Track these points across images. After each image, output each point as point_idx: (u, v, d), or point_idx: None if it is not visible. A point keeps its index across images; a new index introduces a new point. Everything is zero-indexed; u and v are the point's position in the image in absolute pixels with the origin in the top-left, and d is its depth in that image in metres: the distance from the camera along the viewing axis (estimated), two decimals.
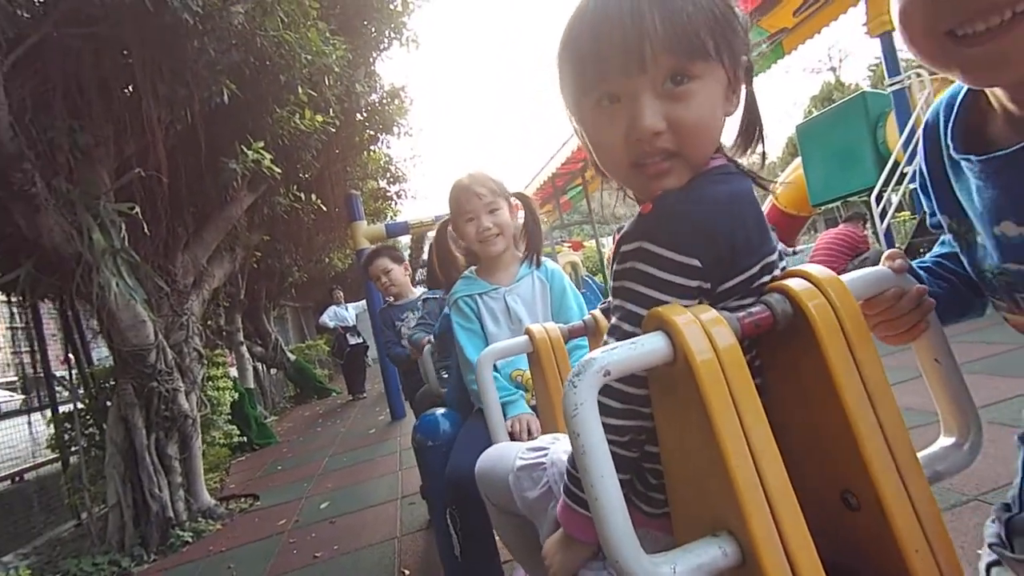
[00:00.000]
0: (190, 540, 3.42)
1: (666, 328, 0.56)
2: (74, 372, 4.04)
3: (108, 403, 3.69)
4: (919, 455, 0.58)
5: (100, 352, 4.60)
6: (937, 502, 1.64)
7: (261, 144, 3.60)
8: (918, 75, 6.41)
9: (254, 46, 3.31)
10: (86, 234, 3.08)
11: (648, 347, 0.56)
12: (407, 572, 2.33)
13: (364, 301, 6.94)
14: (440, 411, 1.64)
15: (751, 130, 0.73)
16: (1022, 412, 0.73)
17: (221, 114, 3.55)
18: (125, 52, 3.08)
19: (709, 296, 0.63)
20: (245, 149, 3.53)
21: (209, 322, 7.09)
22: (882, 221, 6.07)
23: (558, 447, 0.88)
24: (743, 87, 0.69)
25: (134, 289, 3.34)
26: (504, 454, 1.00)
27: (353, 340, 8.36)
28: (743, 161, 0.72)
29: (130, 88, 3.34)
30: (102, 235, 3.02)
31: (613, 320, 0.66)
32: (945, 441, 0.62)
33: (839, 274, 0.61)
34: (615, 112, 0.65)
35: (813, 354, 0.58)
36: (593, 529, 0.55)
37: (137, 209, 3.20)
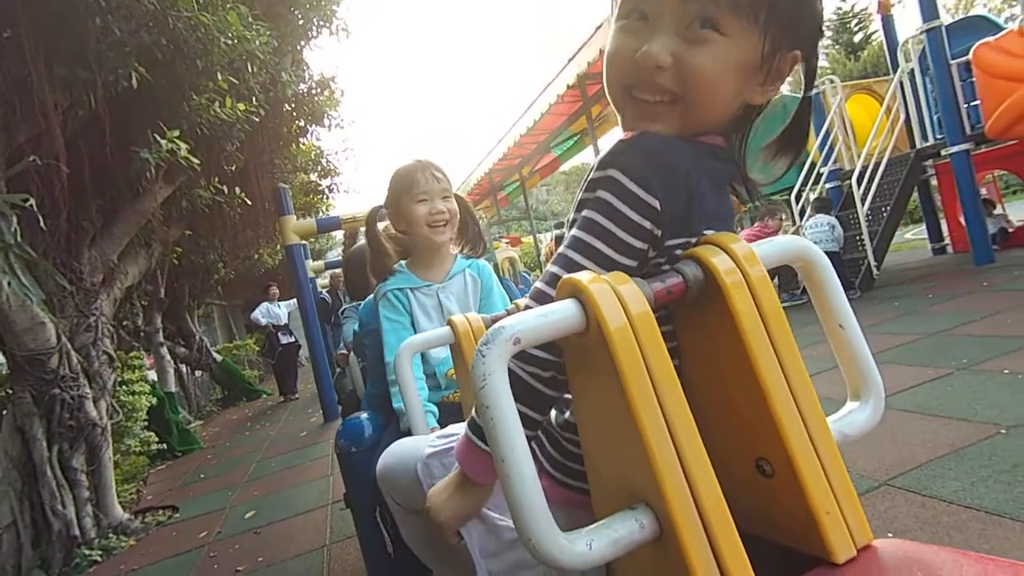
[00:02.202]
0: (99, 559, 3.17)
1: (579, 295, 0.54)
2: None
3: (3, 412, 3.36)
4: (828, 420, 0.58)
5: None
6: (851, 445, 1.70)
7: (177, 133, 3.35)
8: (831, 81, 6.84)
9: (167, 28, 3.07)
10: None
11: (560, 315, 0.53)
12: None
13: (295, 300, 6.67)
14: (364, 415, 1.57)
15: (790, 141, 0.72)
16: None
17: (131, 100, 3.29)
18: (9, 30, 2.79)
19: (656, 246, 0.61)
20: (159, 138, 3.28)
21: (125, 322, 6.64)
22: (800, 218, 6.44)
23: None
24: (786, 81, 0.68)
25: (30, 288, 3.04)
26: (409, 448, 0.95)
27: (285, 339, 8.05)
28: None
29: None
30: None
31: (561, 248, 0.62)
32: (852, 405, 0.63)
33: None
34: (637, 30, 0.64)
35: (726, 322, 0.57)
36: (494, 470, 0.51)
37: (32, 201, 2.90)
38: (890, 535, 1.67)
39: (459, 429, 0.87)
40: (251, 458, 4.98)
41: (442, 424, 1.48)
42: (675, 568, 0.51)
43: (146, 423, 4.83)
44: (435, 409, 1.45)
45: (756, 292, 0.57)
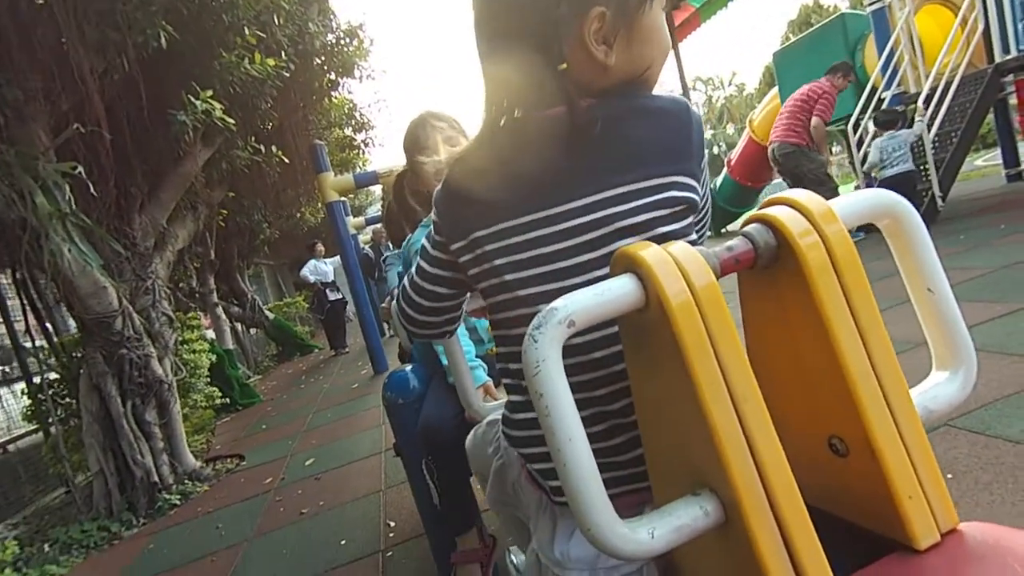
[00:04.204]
0: (178, 503, 3.42)
1: (635, 269, 0.49)
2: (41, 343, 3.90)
3: (80, 372, 3.59)
4: (911, 393, 0.53)
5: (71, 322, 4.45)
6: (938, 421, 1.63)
7: (210, 93, 3.36)
8: None
9: None
10: (28, 198, 2.88)
11: (617, 292, 0.49)
12: (392, 524, 2.35)
13: (338, 257, 6.78)
14: (409, 368, 1.60)
15: None
16: None
17: (162, 61, 3.30)
18: None
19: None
20: (193, 99, 3.29)
21: (180, 284, 6.91)
22: (858, 150, 5.99)
23: None
24: None
25: (88, 254, 3.17)
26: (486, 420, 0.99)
27: (333, 296, 8.25)
28: None
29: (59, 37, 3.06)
30: (46, 198, 2.83)
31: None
32: (938, 376, 0.57)
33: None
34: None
35: (800, 290, 0.51)
36: None
37: (80, 169, 2.99)
38: (949, 476, 1.61)
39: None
40: (308, 409, 5.21)
41: (492, 376, 1.49)
42: (742, 556, 0.48)
43: (208, 379, 5.09)
44: (483, 364, 1.46)
45: (835, 254, 0.51)
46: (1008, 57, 5.67)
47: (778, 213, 0.52)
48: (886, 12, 6.09)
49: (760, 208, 0.55)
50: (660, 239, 0.62)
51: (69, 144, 3.19)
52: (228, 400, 5.83)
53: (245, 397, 6.24)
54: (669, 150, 0.68)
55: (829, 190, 5.19)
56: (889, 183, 5.25)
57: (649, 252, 0.49)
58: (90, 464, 3.46)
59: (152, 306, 3.92)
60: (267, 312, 9.34)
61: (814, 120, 5.12)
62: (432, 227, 0.79)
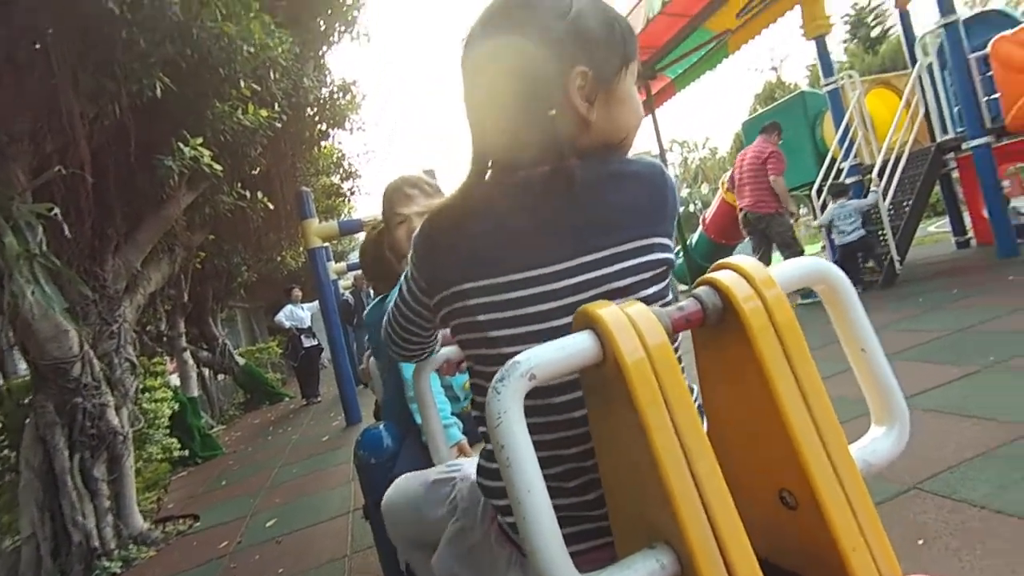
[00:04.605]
0: (118, 571, 3.15)
1: (594, 326, 0.53)
2: None
3: (26, 422, 3.39)
4: (851, 448, 0.57)
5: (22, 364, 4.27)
6: (876, 493, 1.68)
7: (200, 140, 3.41)
8: (850, 76, 6.72)
9: (190, 38, 3.12)
10: None
11: (576, 347, 0.53)
12: None
13: (317, 302, 6.73)
14: (382, 425, 1.57)
15: None
16: None
17: (155, 108, 3.35)
18: (38, 42, 2.85)
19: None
20: (182, 146, 3.34)
21: (148, 327, 6.74)
22: (821, 212, 6.34)
23: (474, 462, 0.85)
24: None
25: (52, 297, 3.09)
26: (418, 478, 0.96)
27: (308, 342, 8.11)
28: None
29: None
30: (15, 238, 2.78)
31: None
32: (876, 431, 0.61)
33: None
34: None
35: (745, 349, 0.56)
36: None
37: (57, 211, 2.97)
38: (920, 542, 1.63)
39: (466, 463, 0.88)
40: (273, 463, 5.01)
41: (467, 433, 1.48)
42: None
43: (168, 429, 4.86)
44: (459, 423, 1.44)
45: (775, 316, 0.56)
46: (947, 137, 6.21)
47: (724, 278, 0.57)
48: (840, 92, 6.58)
49: (709, 272, 0.60)
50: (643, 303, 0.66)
51: (49, 184, 3.18)
52: (187, 452, 5.56)
53: (206, 449, 5.99)
54: (648, 213, 0.72)
55: (795, 252, 5.57)
56: (847, 249, 5.75)
57: (606, 311, 0.53)
58: (22, 526, 3.18)
59: (116, 351, 3.79)
60: (238, 357, 9.12)
61: (771, 178, 5.49)
62: (411, 268, 0.81)
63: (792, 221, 5.55)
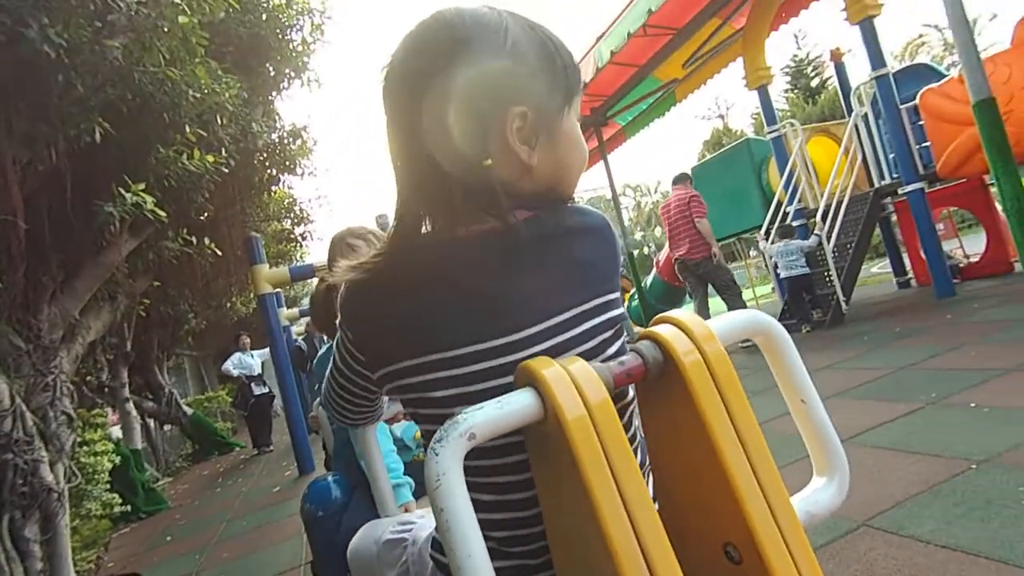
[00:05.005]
0: None
1: (534, 384, 0.53)
2: None
3: None
4: (793, 500, 0.57)
5: None
6: (828, 530, 1.69)
7: (142, 186, 3.31)
8: (791, 124, 7.14)
9: (132, 82, 3.07)
10: None
11: (516, 405, 0.52)
12: None
13: (268, 349, 6.52)
14: (331, 476, 1.51)
15: None
16: None
17: (94, 153, 3.25)
18: None
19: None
20: (123, 191, 3.23)
21: (88, 378, 6.39)
22: (770, 260, 6.59)
23: (424, 523, 0.82)
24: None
25: None
26: (377, 529, 0.91)
27: (258, 390, 7.83)
28: None
29: None
30: None
31: None
32: (817, 482, 0.62)
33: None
34: None
35: (686, 403, 0.56)
36: None
37: None
38: None
39: (418, 516, 0.84)
40: (221, 517, 4.76)
41: (418, 483, 1.44)
42: None
43: (108, 484, 4.59)
44: (411, 482, 1.40)
45: (714, 370, 0.57)
46: (884, 183, 6.61)
47: (664, 332, 0.58)
48: (783, 139, 6.98)
49: (649, 326, 0.61)
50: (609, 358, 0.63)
51: None
52: (129, 508, 5.23)
53: (150, 503, 5.65)
54: (605, 269, 0.67)
55: (735, 295, 5.85)
56: (792, 283, 6.08)
57: (547, 368, 0.53)
58: None
59: (51, 404, 3.57)
60: (185, 407, 8.70)
61: (698, 224, 5.74)
62: (342, 337, 0.72)
63: (715, 262, 5.76)
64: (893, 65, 6.61)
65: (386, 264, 0.66)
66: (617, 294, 0.68)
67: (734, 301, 5.78)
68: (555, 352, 0.62)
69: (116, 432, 6.51)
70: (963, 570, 1.58)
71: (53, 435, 3.51)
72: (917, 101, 5.90)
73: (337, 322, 0.71)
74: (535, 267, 0.64)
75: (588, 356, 0.61)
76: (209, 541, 4.12)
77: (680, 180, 6.11)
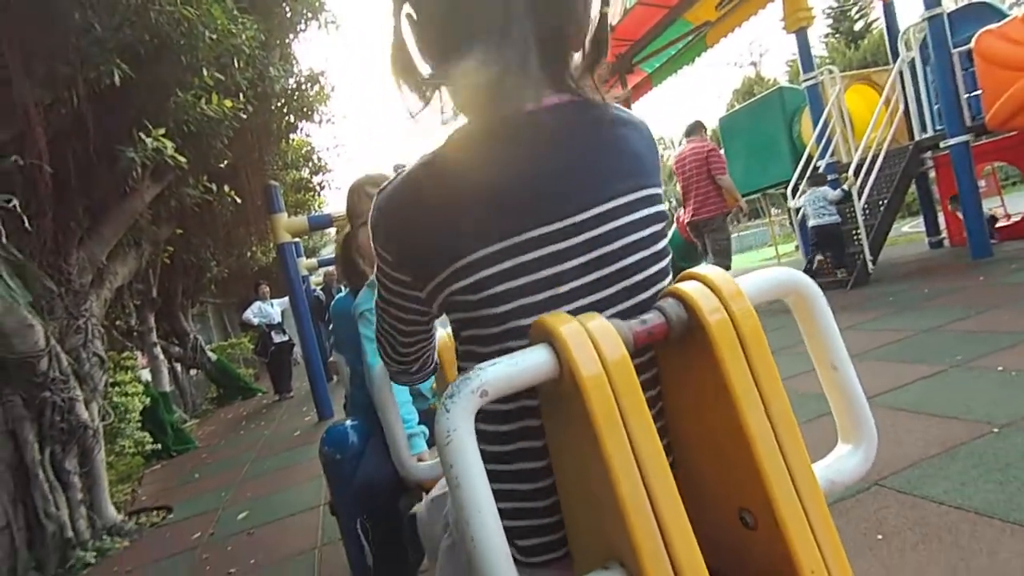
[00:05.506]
0: (93, 561, 3.14)
1: (551, 340, 0.51)
2: None
3: None
4: (815, 467, 0.55)
5: None
6: (841, 492, 1.67)
7: (163, 131, 3.29)
8: (830, 71, 6.73)
9: (149, 22, 3.00)
10: None
11: (531, 362, 0.50)
12: None
13: (288, 298, 6.62)
14: (348, 422, 1.55)
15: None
16: None
17: (114, 97, 3.22)
18: None
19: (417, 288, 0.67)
20: (144, 136, 3.22)
21: (117, 322, 6.58)
22: (796, 214, 6.37)
23: None
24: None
25: (16, 291, 3.00)
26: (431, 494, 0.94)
27: (278, 338, 7.99)
28: None
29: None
30: None
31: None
32: (842, 449, 0.60)
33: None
34: None
35: (710, 363, 0.54)
36: None
37: (16, 202, 2.85)
38: (879, 537, 1.66)
39: None
40: (246, 458, 4.95)
41: (432, 431, 1.46)
42: None
43: (140, 423, 4.79)
44: (425, 431, 1.43)
45: (741, 331, 0.54)
46: (926, 136, 6.23)
47: (690, 289, 0.55)
48: (819, 88, 6.61)
49: (675, 282, 0.58)
50: (655, 259, 0.62)
51: (6, 176, 3.05)
52: (160, 446, 5.48)
53: (179, 443, 5.89)
54: (652, 162, 0.66)
55: (724, 267, 5.36)
56: (822, 231, 5.82)
57: (565, 325, 0.51)
58: None
59: (83, 346, 3.70)
60: (209, 353, 8.95)
61: (719, 179, 5.27)
62: (381, 262, 0.67)
63: (737, 219, 5.42)
64: (948, 5, 6.07)
65: (422, 167, 0.62)
66: (661, 190, 0.66)
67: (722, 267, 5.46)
68: (610, 239, 0.60)
69: (145, 375, 6.74)
70: (975, 530, 1.57)
71: (87, 375, 3.66)
72: (972, 44, 5.38)
73: (373, 249, 0.67)
74: (589, 148, 0.61)
75: (640, 247, 0.61)
76: (235, 479, 4.30)
77: (694, 131, 5.58)
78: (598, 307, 0.59)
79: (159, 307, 7.52)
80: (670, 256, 0.66)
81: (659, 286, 0.63)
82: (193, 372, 9.14)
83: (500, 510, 0.47)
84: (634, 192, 0.62)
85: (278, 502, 3.48)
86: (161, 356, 7.30)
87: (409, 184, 0.63)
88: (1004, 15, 5.77)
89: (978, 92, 5.45)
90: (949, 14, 5.63)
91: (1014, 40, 5.10)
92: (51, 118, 3.18)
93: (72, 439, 3.37)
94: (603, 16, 0.63)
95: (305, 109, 5.44)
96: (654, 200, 0.64)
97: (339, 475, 1.49)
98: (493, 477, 0.49)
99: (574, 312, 0.54)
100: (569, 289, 0.59)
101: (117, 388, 4.66)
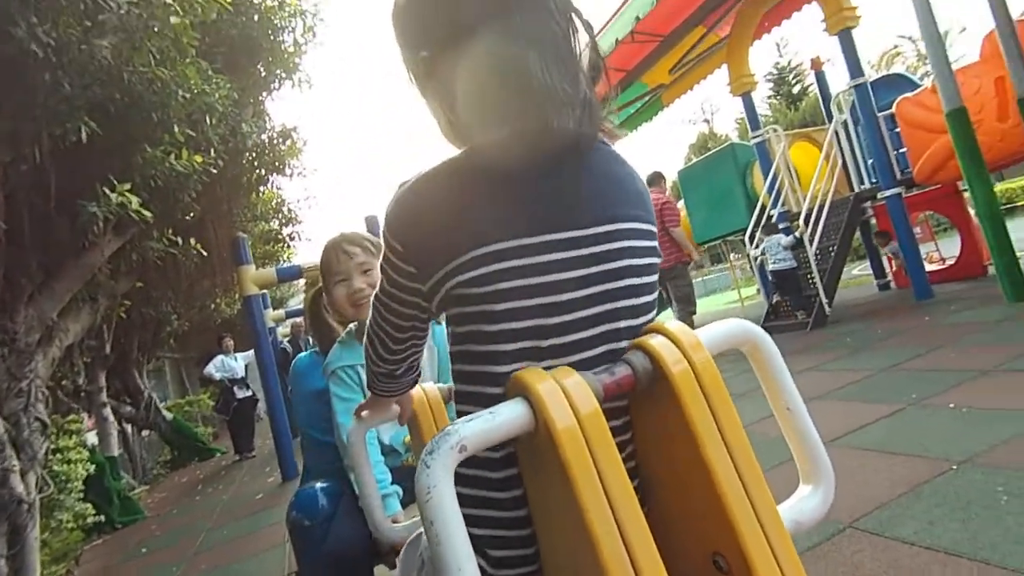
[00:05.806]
0: None
1: (526, 395, 0.53)
2: None
3: None
4: (780, 508, 0.58)
5: None
6: (814, 533, 1.70)
7: (128, 186, 3.25)
8: (775, 130, 7.26)
9: (121, 82, 3.02)
10: None
11: (508, 416, 0.52)
12: None
13: (253, 351, 6.44)
14: (319, 484, 1.49)
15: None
16: None
17: (79, 152, 3.19)
18: None
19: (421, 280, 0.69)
20: (108, 192, 3.17)
21: (63, 382, 6.24)
22: (756, 260, 6.68)
23: None
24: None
25: None
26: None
27: (241, 393, 7.70)
28: None
29: None
30: None
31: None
32: (803, 490, 0.63)
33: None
34: None
35: (675, 409, 0.56)
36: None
37: None
38: None
39: None
40: (201, 527, 4.66)
41: (406, 489, 1.42)
42: None
43: (82, 493, 4.45)
44: (399, 491, 1.39)
45: (703, 380, 0.57)
46: (864, 187, 6.77)
47: (655, 343, 0.58)
48: (766, 144, 7.09)
49: (640, 336, 0.61)
50: (649, 288, 0.66)
51: None
52: (103, 518, 5.06)
53: (125, 513, 5.50)
54: (650, 203, 0.70)
55: (686, 309, 5.58)
56: (781, 275, 6.24)
57: (540, 382, 0.53)
58: None
59: (24, 410, 3.46)
60: (165, 412, 8.54)
61: (672, 231, 5.46)
62: (389, 254, 0.69)
63: (701, 264, 5.65)
64: (870, 74, 6.80)
65: (446, 166, 0.66)
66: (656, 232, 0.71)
67: (684, 317, 5.46)
68: (613, 256, 0.63)
69: (92, 438, 6.37)
70: (946, 571, 1.60)
71: (25, 443, 3.39)
72: (893, 109, 6.08)
73: (384, 238, 0.69)
74: (598, 174, 0.65)
75: (638, 272, 0.65)
76: (187, 552, 4.02)
77: (654, 181, 5.81)
78: (592, 322, 0.62)
79: (111, 364, 7.19)
80: (657, 292, 0.69)
81: (647, 317, 0.67)
82: (145, 433, 8.67)
83: (498, 558, 0.47)
84: (637, 222, 0.66)
85: (236, 574, 3.27)
86: (111, 418, 6.91)
87: (432, 180, 0.66)
88: (917, 85, 6.59)
89: (904, 150, 6.09)
90: (871, 83, 6.27)
91: (927, 107, 5.73)
92: (10, 173, 3.11)
93: (2, 516, 3.04)
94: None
95: (276, 163, 5.47)
96: (652, 236, 0.69)
97: (309, 542, 1.41)
98: (490, 523, 0.50)
99: (569, 325, 0.58)
100: (568, 299, 0.61)
101: (59, 455, 4.34)
